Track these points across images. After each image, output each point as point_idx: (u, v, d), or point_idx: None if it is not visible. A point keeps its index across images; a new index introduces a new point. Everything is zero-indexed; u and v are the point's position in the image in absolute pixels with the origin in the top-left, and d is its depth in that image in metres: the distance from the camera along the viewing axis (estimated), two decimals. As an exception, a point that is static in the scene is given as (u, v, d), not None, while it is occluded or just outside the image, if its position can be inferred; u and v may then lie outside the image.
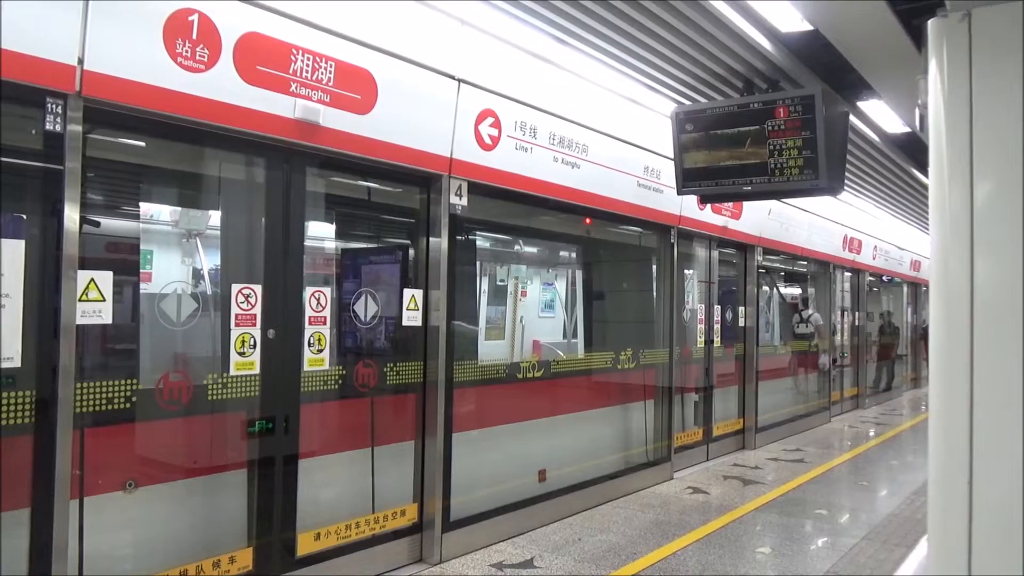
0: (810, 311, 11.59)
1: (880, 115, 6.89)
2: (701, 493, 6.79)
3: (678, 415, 7.91)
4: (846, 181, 9.91)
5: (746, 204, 8.67)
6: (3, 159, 2.97)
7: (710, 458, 8.37)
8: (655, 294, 7.61)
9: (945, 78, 2.45)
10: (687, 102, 6.32)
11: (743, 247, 9.26)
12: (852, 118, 6.97)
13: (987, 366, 1.91)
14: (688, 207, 7.45)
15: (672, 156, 6.03)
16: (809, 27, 4.93)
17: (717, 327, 8.69)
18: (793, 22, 4.92)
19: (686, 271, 8.65)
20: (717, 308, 8.69)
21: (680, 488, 6.97)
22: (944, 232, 2.11)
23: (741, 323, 9.26)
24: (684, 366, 8.10)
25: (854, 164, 8.71)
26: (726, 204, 8.28)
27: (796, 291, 12.53)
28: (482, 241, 7.00)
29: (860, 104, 6.73)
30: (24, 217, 3.05)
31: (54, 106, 3.07)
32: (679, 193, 6.07)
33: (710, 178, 5.86)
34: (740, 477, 7.49)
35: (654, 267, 7.64)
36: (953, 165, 2.12)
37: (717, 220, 8.20)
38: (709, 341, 8.55)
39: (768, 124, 5.51)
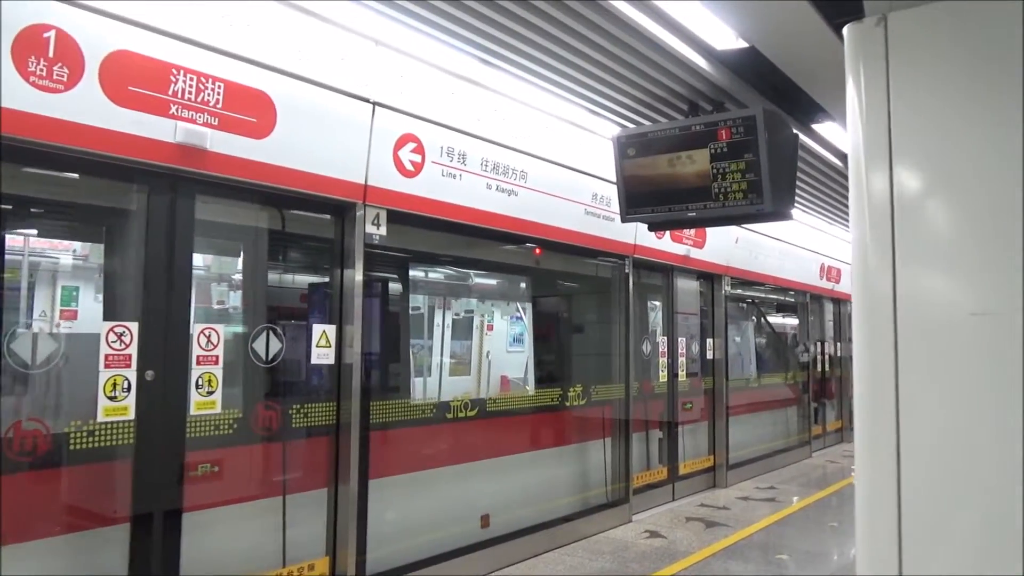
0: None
1: (837, 137, 6.64)
2: (658, 537, 6.40)
3: (639, 453, 7.56)
4: (814, 208, 9.74)
5: (710, 232, 8.41)
6: None
7: (676, 498, 7.98)
8: (611, 327, 7.29)
9: (862, 84, 2.33)
10: (632, 126, 6.07)
11: (709, 277, 8.96)
12: (810, 142, 6.74)
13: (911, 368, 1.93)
14: (644, 236, 7.15)
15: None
16: (745, 44, 4.70)
17: (682, 360, 8.34)
18: (727, 39, 4.68)
19: (649, 302, 8.35)
20: (682, 340, 8.35)
21: (637, 532, 6.58)
22: (864, 238, 2.08)
23: (709, 355, 8.92)
24: (645, 401, 7.75)
25: (819, 190, 8.46)
26: (687, 232, 8.00)
27: (792, 321, 12.25)
28: (415, 272, 6.70)
29: (816, 127, 6.49)
30: None
31: None
32: (623, 220, 5.77)
33: (654, 204, 5.57)
34: (704, 519, 7.10)
35: (609, 299, 7.32)
36: (872, 174, 2.10)
37: (678, 249, 7.90)
38: (674, 375, 8.20)
39: (711, 147, 5.24)
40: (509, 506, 5.84)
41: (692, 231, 8.05)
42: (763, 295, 11.57)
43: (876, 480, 2.00)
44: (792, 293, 11.70)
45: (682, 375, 8.34)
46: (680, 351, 8.32)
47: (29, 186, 3.56)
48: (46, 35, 3.17)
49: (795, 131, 5.61)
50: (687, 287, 8.63)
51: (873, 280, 2.10)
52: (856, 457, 2.09)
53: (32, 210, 3.85)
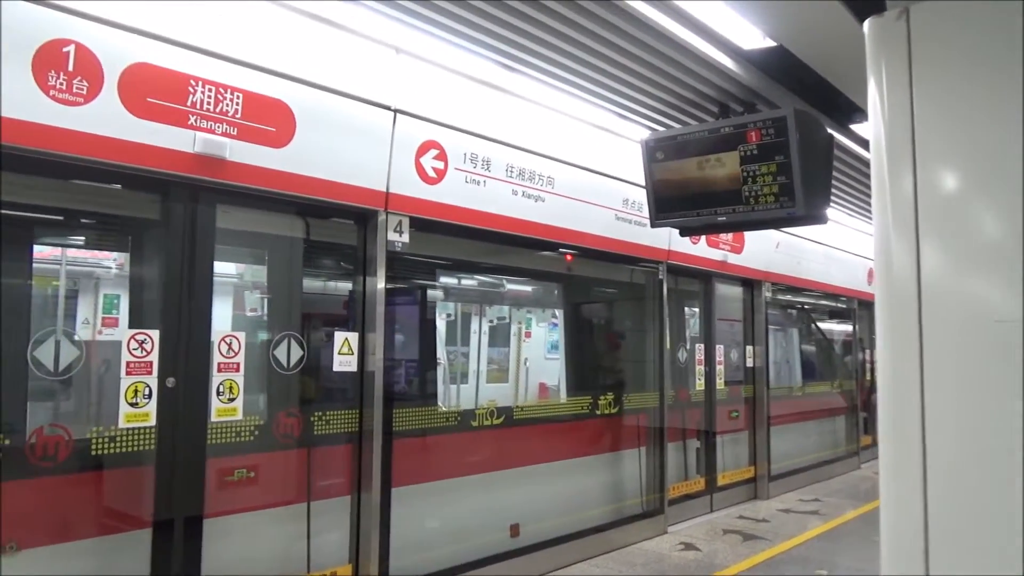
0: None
1: (878, 138, 6.40)
2: (693, 550, 6.25)
3: (675, 463, 7.41)
4: (860, 211, 9.43)
5: (748, 236, 8.21)
6: None
7: (715, 509, 7.79)
8: (645, 334, 7.16)
9: (884, 79, 2.26)
10: (662, 128, 5.96)
11: (749, 283, 8.75)
12: (849, 143, 6.53)
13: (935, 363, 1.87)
14: (678, 241, 7.01)
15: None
16: (773, 43, 4.56)
17: (720, 368, 8.15)
18: (754, 39, 4.56)
19: (686, 308, 8.20)
20: (719, 348, 8.16)
21: (671, 544, 6.43)
22: (887, 240, 2.03)
23: (749, 363, 8.70)
24: (682, 410, 7.60)
25: (865, 192, 8.18)
26: (724, 237, 7.84)
27: (839, 328, 11.93)
28: (446, 279, 6.69)
29: (855, 127, 6.28)
30: None
31: (-100, 143, 2.88)
32: (653, 225, 5.67)
33: (684, 208, 5.46)
34: (742, 531, 6.91)
35: (643, 305, 7.20)
36: (894, 173, 2.02)
37: (714, 254, 7.73)
38: (711, 383, 8.02)
39: (741, 149, 5.11)
40: (537, 515, 5.76)
41: (729, 236, 7.88)
42: (810, 301, 11.26)
43: (901, 484, 1.95)
44: (840, 299, 11.36)
45: (720, 383, 8.15)
46: (718, 359, 8.14)
47: (55, 197, 3.66)
48: (65, 49, 3.24)
49: (831, 131, 5.43)
50: (725, 293, 8.46)
51: (897, 283, 2.03)
52: (880, 460, 2.01)
53: (61, 221, 3.94)
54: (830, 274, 10.21)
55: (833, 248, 10.06)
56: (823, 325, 11.87)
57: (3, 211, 3.28)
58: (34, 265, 3.77)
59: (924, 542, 1.87)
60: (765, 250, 8.57)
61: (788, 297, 10.34)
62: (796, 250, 9.22)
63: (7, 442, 3.24)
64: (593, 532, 6.14)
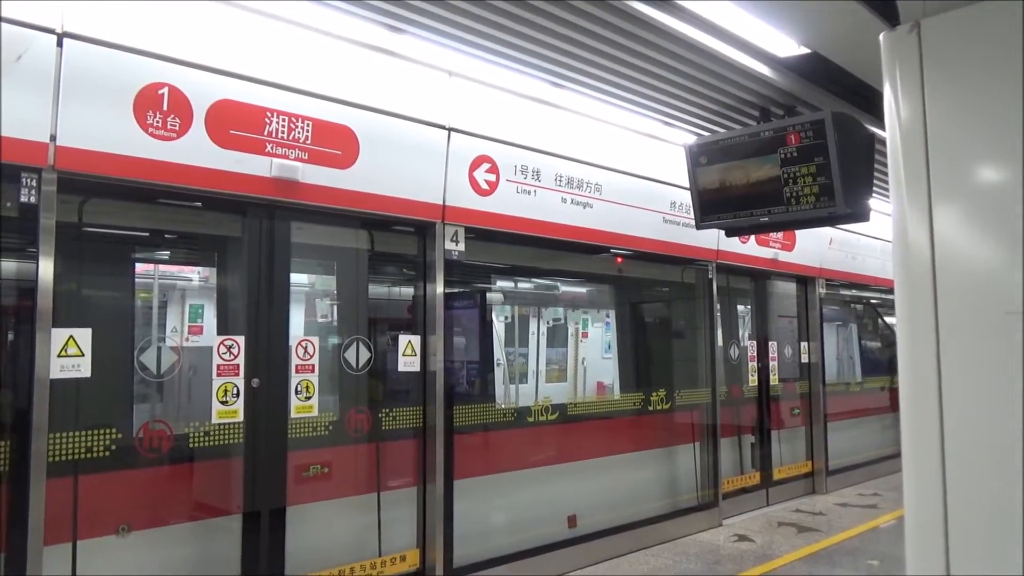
0: None
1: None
2: (747, 541, 6.42)
3: (730, 458, 7.58)
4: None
5: (800, 234, 8.29)
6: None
7: (771, 503, 7.91)
8: (696, 332, 7.36)
9: (899, 92, 2.41)
10: (707, 134, 6.17)
11: (802, 279, 8.82)
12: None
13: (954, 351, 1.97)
14: (727, 241, 7.17)
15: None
16: (807, 51, 4.74)
17: (773, 364, 8.27)
18: (788, 47, 4.75)
19: (738, 306, 8.34)
20: (773, 344, 8.28)
21: (726, 535, 6.62)
22: (904, 237, 2.19)
23: (804, 359, 8.77)
24: (736, 406, 7.75)
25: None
26: (774, 235, 7.95)
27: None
28: (503, 283, 7.02)
29: (900, 124, 6.34)
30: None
31: (29, 179, 3.37)
32: (698, 227, 5.88)
33: (727, 210, 5.67)
34: (797, 524, 7.03)
35: (694, 304, 7.40)
36: (909, 183, 2.18)
37: (764, 253, 7.86)
38: (765, 379, 8.14)
39: (780, 152, 5.29)
40: (593, 507, 6.04)
41: (780, 234, 7.99)
42: (870, 295, 11.18)
43: (922, 479, 2.09)
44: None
45: (774, 379, 8.26)
46: (771, 355, 8.25)
47: (153, 220, 4.14)
48: (160, 91, 3.70)
49: (872, 130, 5.55)
50: (777, 290, 8.56)
51: (914, 292, 2.13)
52: (903, 455, 2.14)
53: (158, 240, 4.43)
54: (887, 269, 10.15)
55: (890, 243, 9.99)
56: (882, 320, 11.76)
57: (112, 233, 3.76)
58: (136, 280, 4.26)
59: (944, 539, 2.03)
60: (818, 247, 8.64)
61: (844, 292, 10.32)
62: (851, 246, 9.24)
63: (119, 436, 3.71)
64: (648, 523, 6.38)
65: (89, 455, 3.59)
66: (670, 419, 6.90)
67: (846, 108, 5.63)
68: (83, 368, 3.50)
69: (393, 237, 5.03)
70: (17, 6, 3.26)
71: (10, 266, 3.51)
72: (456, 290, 5.27)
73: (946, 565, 2.00)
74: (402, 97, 4.67)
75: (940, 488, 2.05)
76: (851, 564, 5.80)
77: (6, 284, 3.50)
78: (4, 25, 3.22)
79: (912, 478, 2.20)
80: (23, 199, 3.36)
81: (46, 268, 3.38)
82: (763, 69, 4.98)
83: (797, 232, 8.16)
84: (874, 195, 5.39)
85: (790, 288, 8.84)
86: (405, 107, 4.67)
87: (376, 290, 5.21)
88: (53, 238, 3.41)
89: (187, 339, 7.01)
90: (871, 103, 5.74)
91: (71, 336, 3.47)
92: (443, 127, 4.88)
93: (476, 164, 5.09)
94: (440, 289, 4.92)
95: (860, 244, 9.40)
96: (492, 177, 5.20)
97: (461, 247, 5.05)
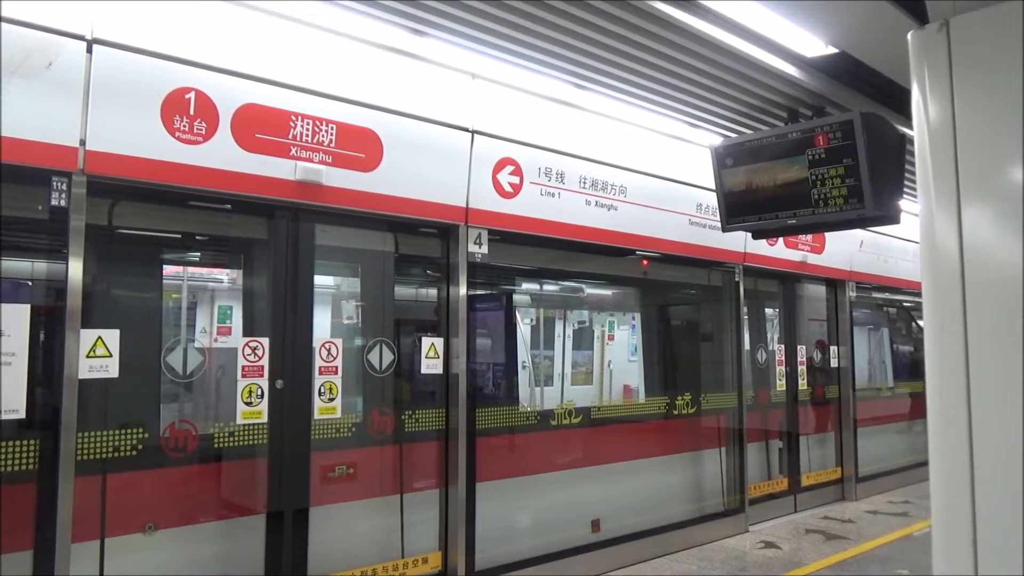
0: None
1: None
2: (773, 548, 6.33)
3: (758, 463, 7.48)
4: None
5: (830, 236, 8.17)
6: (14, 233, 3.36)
7: (798, 510, 7.80)
8: (722, 335, 7.28)
9: (927, 91, 2.38)
10: (734, 135, 6.10)
11: (832, 282, 8.69)
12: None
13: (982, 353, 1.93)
14: (754, 243, 7.10)
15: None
16: (835, 50, 4.67)
17: (802, 368, 8.15)
18: (816, 47, 4.68)
19: (766, 309, 8.24)
20: (801, 348, 8.16)
21: (752, 542, 6.53)
22: (933, 239, 2.13)
23: (834, 363, 8.64)
24: (763, 411, 7.66)
25: (951, 188, 8.00)
26: (803, 237, 7.85)
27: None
28: (528, 284, 7.01)
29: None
30: (30, 283, 3.41)
31: (59, 183, 3.43)
32: (724, 230, 5.83)
33: (754, 212, 5.60)
34: (825, 531, 6.92)
35: (721, 307, 7.32)
36: (939, 173, 2.12)
37: (793, 255, 7.76)
38: (793, 383, 8.03)
39: (808, 153, 5.22)
40: (617, 512, 6.00)
41: (809, 236, 7.89)
42: (902, 299, 10.99)
43: (950, 484, 2.02)
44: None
45: (803, 383, 8.15)
46: (800, 359, 8.14)
47: (180, 223, 4.20)
48: (187, 96, 3.75)
49: (903, 130, 5.45)
50: (806, 293, 8.44)
51: (942, 294, 2.10)
52: (931, 459, 2.10)
53: (185, 242, 4.49)
54: (919, 273, 9.96)
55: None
56: (915, 324, 11.54)
57: (139, 234, 3.82)
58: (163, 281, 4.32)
59: (973, 547, 1.99)
60: (848, 249, 8.51)
61: (876, 295, 10.15)
62: (882, 248, 9.08)
63: (145, 436, 3.76)
64: (673, 528, 6.32)
65: (116, 454, 3.65)
66: (696, 423, 6.83)
67: (876, 108, 5.55)
68: (111, 369, 3.56)
69: (416, 239, 5.04)
70: (48, 14, 3.32)
71: (41, 268, 3.58)
72: (480, 292, 5.27)
73: (974, 566, 1.95)
74: (425, 100, 4.68)
75: (968, 493, 2.01)
76: (881, 573, 5.69)
77: (37, 285, 3.57)
78: (35, 32, 3.29)
79: (939, 483, 2.16)
80: (53, 202, 3.42)
81: (75, 270, 3.44)
82: (790, 69, 4.91)
83: (827, 234, 8.05)
84: (905, 197, 5.29)
85: (819, 291, 8.71)
86: (428, 110, 4.69)
87: (399, 292, 5.23)
88: (83, 240, 3.46)
89: (216, 340, 7.11)
90: (902, 103, 5.64)
91: (99, 337, 3.53)
92: (467, 130, 4.89)
93: (500, 166, 5.09)
94: (463, 291, 4.92)
95: (892, 247, 9.24)
96: (516, 179, 5.19)
97: (484, 249, 5.05)
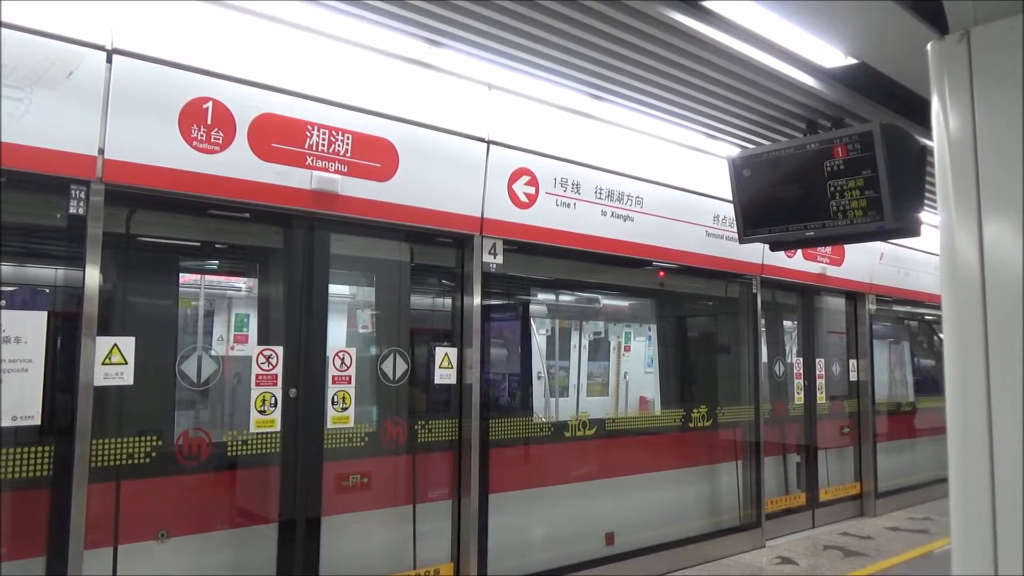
0: None
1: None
2: (789, 564, 6.24)
3: (773, 477, 7.39)
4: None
5: (849, 249, 8.09)
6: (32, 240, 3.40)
7: (816, 525, 7.69)
8: (739, 348, 7.21)
9: (947, 103, 2.35)
10: (752, 146, 6.06)
11: (852, 295, 8.59)
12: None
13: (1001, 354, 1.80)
14: (772, 255, 7.05)
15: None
16: (854, 61, 4.63)
17: (820, 381, 8.05)
18: (835, 58, 4.63)
19: (784, 322, 8.16)
20: (820, 361, 8.07)
21: (768, 557, 6.44)
22: (953, 253, 2.10)
23: (853, 377, 8.53)
24: (781, 424, 7.57)
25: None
26: (822, 250, 7.77)
27: None
28: (544, 295, 6.99)
29: (955, 136, 6.14)
30: (47, 290, 3.44)
31: (77, 191, 3.47)
32: (741, 241, 5.77)
33: (772, 224, 5.54)
34: (843, 547, 6.82)
35: (738, 319, 7.25)
36: (959, 186, 2.05)
37: (812, 268, 7.68)
38: (811, 397, 7.94)
39: (827, 165, 5.17)
40: (631, 525, 5.94)
41: (828, 249, 7.81)
42: (923, 312, 10.84)
43: (970, 500, 2.02)
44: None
45: (821, 397, 8.05)
46: (819, 372, 8.04)
47: (196, 231, 4.23)
48: (205, 106, 3.78)
49: (924, 142, 5.39)
50: (825, 306, 8.35)
51: (963, 308, 2.08)
52: (951, 475, 2.12)
53: (201, 251, 4.53)
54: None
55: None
56: (937, 338, 11.37)
57: (156, 242, 3.85)
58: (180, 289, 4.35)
59: (993, 553, 1.96)
60: (868, 262, 8.41)
61: (897, 309, 10.02)
62: (903, 261, 8.97)
63: (159, 443, 3.78)
64: (688, 543, 6.25)
65: (130, 461, 3.66)
66: (712, 436, 6.76)
67: (896, 119, 5.49)
68: (126, 376, 3.58)
69: (431, 249, 5.04)
70: (69, 25, 3.37)
71: (59, 275, 3.62)
72: (494, 302, 5.26)
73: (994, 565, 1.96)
74: (441, 110, 4.69)
75: (989, 511, 1.97)
76: (900, 591, 5.60)
77: (54, 293, 3.61)
78: (57, 43, 3.33)
79: (959, 500, 2.12)
80: (71, 210, 3.45)
81: (92, 277, 3.47)
82: (809, 80, 4.87)
83: (846, 247, 7.97)
84: (926, 209, 5.22)
85: (839, 304, 8.62)
86: (444, 120, 4.70)
87: (413, 302, 5.23)
88: (100, 248, 3.49)
89: (232, 348, 7.15)
90: (922, 114, 5.57)
91: (115, 344, 3.56)
92: (482, 140, 4.89)
93: (515, 177, 5.09)
94: (477, 301, 4.91)
95: (913, 259, 9.13)
96: (531, 190, 5.18)
97: (499, 260, 5.04)
